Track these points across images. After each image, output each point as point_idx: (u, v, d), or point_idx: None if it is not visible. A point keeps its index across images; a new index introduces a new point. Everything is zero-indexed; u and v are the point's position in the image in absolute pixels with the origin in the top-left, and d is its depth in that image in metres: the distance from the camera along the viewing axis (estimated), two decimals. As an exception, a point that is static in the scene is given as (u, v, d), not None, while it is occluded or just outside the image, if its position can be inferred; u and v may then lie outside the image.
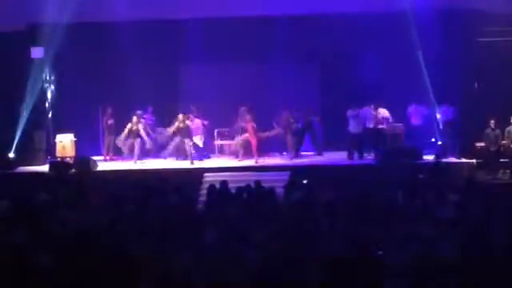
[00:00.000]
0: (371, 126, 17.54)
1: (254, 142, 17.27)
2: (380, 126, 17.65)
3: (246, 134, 17.37)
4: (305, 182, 13.14)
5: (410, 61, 17.50)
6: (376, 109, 17.69)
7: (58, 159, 17.49)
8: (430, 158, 16.66)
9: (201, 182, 15.45)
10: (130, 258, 7.42)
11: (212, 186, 11.95)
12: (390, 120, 17.80)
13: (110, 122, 18.29)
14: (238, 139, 17.66)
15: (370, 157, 17.30)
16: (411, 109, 18.05)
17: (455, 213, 9.37)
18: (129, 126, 17.47)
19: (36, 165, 17.78)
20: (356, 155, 17.38)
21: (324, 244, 7.60)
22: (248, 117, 17.40)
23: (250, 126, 17.21)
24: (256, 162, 17.08)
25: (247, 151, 17.63)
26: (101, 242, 8.04)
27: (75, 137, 17.96)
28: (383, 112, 17.70)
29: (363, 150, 17.43)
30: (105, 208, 10.38)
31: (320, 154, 18.31)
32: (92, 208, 10.42)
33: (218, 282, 6.89)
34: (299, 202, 10.47)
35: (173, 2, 17.91)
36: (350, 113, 17.42)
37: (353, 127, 17.38)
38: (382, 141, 17.48)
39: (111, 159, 18.22)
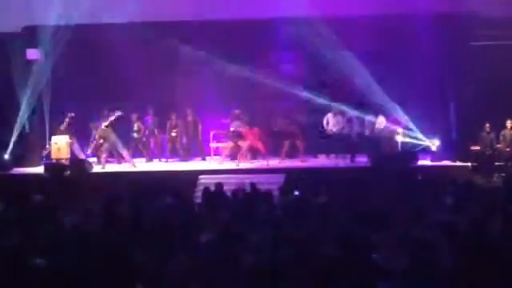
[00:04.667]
0: (367, 133, 17.64)
1: (260, 145, 17.31)
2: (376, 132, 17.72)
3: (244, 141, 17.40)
4: (296, 193, 13.12)
5: (404, 64, 17.55)
6: (376, 116, 17.75)
7: (53, 161, 17.47)
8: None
9: (195, 184, 15.46)
10: (125, 260, 7.42)
11: (207, 189, 11.95)
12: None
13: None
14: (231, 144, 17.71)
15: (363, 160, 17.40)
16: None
17: (451, 216, 9.39)
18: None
19: (31, 166, 17.77)
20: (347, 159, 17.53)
21: (318, 246, 7.60)
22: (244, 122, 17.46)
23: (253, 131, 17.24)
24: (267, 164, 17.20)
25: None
26: (96, 244, 8.03)
27: (71, 139, 17.93)
28: (381, 120, 17.71)
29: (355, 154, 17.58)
30: (100, 210, 10.36)
31: (315, 156, 18.38)
32: (87, 210, 10.40)
33: (213, 285, 6.89)
34: (294, 204, 10.46)
35: (170, 4, 17.94)
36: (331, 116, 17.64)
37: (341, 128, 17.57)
38: (377, 145, 17.53)
39: (106, 161, 18.19)
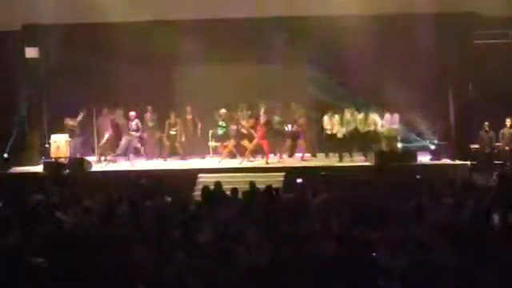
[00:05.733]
0: (364, 129, 17.68)
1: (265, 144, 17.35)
2: (372, 129, 17.72)
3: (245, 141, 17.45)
4: (299, 180, 13.19)
5: (404, 62, 17.56)
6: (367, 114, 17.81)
7: (52, 160, 17.44)
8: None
9: (195, 183, 15.46)
10: (124, 259, 7.41)
11: (206, 187, 11.94)
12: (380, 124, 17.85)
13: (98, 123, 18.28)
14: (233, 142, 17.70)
15: (361, 158, 17.42)
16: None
17: (450, 215, 9.39)
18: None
19: (30, 165, 17.75)
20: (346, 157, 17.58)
21: (317, 245, 7.60)
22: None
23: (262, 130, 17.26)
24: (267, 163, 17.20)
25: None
26: (94, 243, 8.03)
27: (70, 137, 17.91)
28: (377, 119, 17.76)
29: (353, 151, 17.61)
30: (99, 209, 10.36)
31: (314, 155, 18.38)
32: (86, 209, 10.40)
33: (212, 284, 6.89)
34: (293, 203, 10.47)
35: (168, 3, 17.94)
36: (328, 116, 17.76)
37: (338, 130, 17.59)
38: (375, 143, 17.54)
39: (106, 160, 18.18)
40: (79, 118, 17.89)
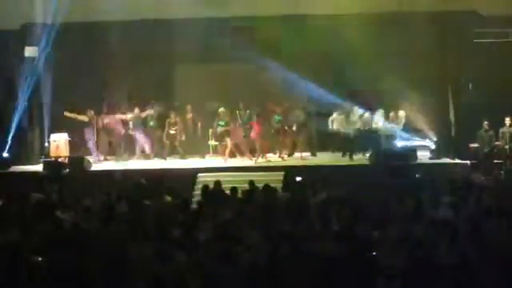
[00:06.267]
0: (366, 127, 17.66)
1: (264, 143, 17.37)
2: (374, 127, 17.71)
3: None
4: (299, 179, 13.19)
5: (404, 61, 17.56)
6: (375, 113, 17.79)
7: (52, 159, 17.43)
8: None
9: (194, 183, 15.44)
10: (123, 258, 7.42)
11: (206, 187, 11.95)
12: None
13: (106, 121, 18.24)
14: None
15: (366, 156, 17.39)
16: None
17: (450, 214, 9.39)
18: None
19: (30, 164, 17.75)
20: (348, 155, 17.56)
21: (317, 244, 7.60)
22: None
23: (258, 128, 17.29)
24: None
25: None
26: (94, 242, 8.03)
27: (69, 136, 17.90)
28: (379, 117, 17.75)
29: (355, 150, 17.59)
30: (99, 208, 10.36)
31: (314, 154, 18.37)
32: (85, 208, 10.40)
33: (210, 282, 6.89)
34: (293, 202, 10.47)
35: (168, 2, 17.94)
36: (335, 115, 17.68)
37: (344, 128, 17.55)
38: (376, 142, 17.52)
39: (105, 159, 18.17)
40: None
